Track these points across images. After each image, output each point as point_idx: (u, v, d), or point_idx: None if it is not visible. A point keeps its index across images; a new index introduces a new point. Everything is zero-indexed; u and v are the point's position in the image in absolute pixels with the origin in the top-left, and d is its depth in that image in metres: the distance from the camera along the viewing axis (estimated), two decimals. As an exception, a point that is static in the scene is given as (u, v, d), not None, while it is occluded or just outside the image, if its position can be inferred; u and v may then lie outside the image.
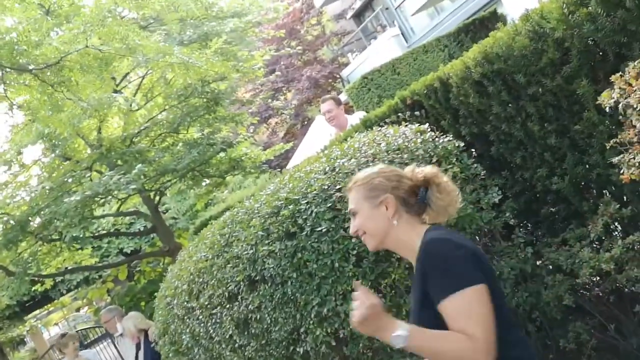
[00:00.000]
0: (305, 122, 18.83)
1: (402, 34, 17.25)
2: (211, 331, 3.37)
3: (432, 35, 13.08)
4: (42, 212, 6.10)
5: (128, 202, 8.07)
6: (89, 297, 12.48)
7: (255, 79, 11.29)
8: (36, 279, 7.05)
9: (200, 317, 3.43)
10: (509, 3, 11.25)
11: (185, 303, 3.56)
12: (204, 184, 8.77)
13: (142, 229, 10.52)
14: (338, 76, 20.28)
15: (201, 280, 3.38)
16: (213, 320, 3.32)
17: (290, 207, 2.64)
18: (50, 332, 34.64)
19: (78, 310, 35.50)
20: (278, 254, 2.59)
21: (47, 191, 5.70)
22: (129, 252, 12.63)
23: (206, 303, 3.35)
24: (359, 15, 20.88)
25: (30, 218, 6.14)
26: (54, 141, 5.80)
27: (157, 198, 7.55)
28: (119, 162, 6.59)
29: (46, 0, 4.56)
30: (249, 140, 9.51)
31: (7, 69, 4.15)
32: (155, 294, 7.73)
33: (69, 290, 14.07)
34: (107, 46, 4.11)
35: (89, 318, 28.01)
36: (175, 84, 7.52)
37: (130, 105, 6.63)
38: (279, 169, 13.10)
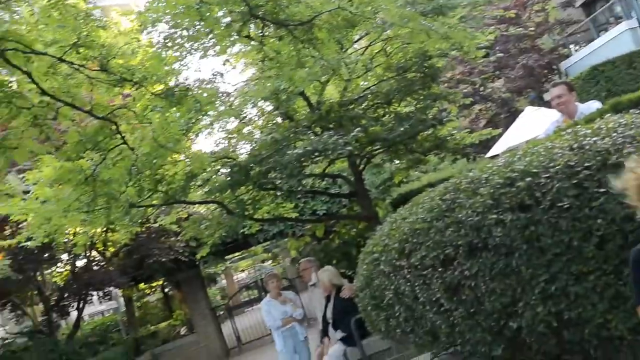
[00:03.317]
0: (510, 113, 17.98)
1: (640, 27, 15.51)
2: (417, 291, 3.45)
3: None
4: (263, 162, 6.69)
5: (333, 166, 8.52)
6: (288, 247, 13.47)
7: (471, 60, 11.05)
8: (249, 221, 7.80)
9: (408, 276, 3.52)
10: None
11: (394, 261, 3.69)
12: (406, 159, 8.88)
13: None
14: (555, 67, 18.95)
15: (415, 240, 3.46)
16: (421, 281, 3.40)
17: (528, 179, 2.59)
18: (237, 276, 38.27)
19: (263, 262, 38.67)
20: (508, 224, 2.57)
21: (272, 142, 6.24)
22: (321, 214, 13.40)
23: (417, 263, 3.43)
24: (589, 4, 19.20)
25: (253, 165, 6.77)
26: (283, 96, 6.31)
27: (363, 165, 7.85)
28: (334, 125, 6.96)
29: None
30: (457, 122, 9.39)
31: (269, 23, 4.62)
32: (348, 254, 8.16)
33: (265, 240, 15.38)
34: (355, 9, 4.37)
35: (271, 270, 30.45)
36: (395, 56, 7.68)
37: (352, 72, 6.93)
38: (474, 157, 12.71)
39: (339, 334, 6.30)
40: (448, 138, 8.43)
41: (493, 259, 2.68)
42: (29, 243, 7.72)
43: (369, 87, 7.70)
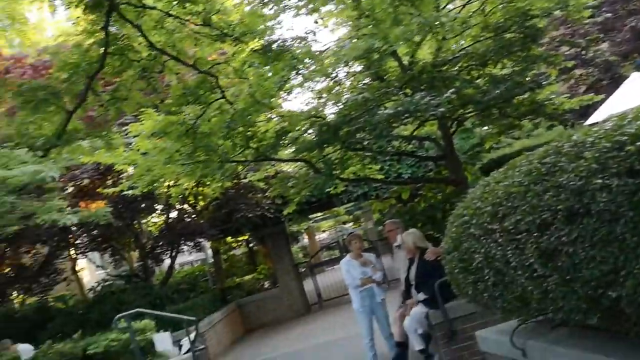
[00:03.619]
0: (613, 79, 16.83)
1: None
2: (509, 256, 3.38)
3: None
4: (352, 122, 6.70)
5: (422, 129, 8.40)
6: (372, 209, 13.54)
7: (576, 21, 10.40)
8: (335, 181, 7.90)
9: (500, 240, 3.46)
10: None
11: (486, 224, 3.62)
12: (498, 124, 8.60)
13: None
14: (667, 31, 17.47)
15: (510, 204, 3.38)
16: (514, 246, 3.32)
17: (638, 143, 2.45)
18: (319, 236, 38.98)
19: (344, 223, 39.12)
20: (614, 189, 2.45)
21: (362, 102, 6.23)
22: (405, 177, 13.34)
23: (510, 227, 3.36)
24: None
25: (341, 125, 6.80)
26: (375, 56, 6.25)
27: (453, 128, 7.69)
28: (425, 87, 6.83)
29: None
30: (555, 86, 8.94)
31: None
32: (433, 217, 8.09)
33: (348, 201, 15.54)
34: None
35: (353, 232, 30.80)
36: (493, 16, 7.37)
37: (447, 31, 6.74)
38: (573, 123, 12.07)
39: (422, 296, 6.32)
40: (546, 103, 8.06)
41: (595, 225, 2.57)
42: (130, 192, 8.25)
43: (464, 48, 7.46)
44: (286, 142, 7.41)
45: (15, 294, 14.55)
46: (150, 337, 9.34)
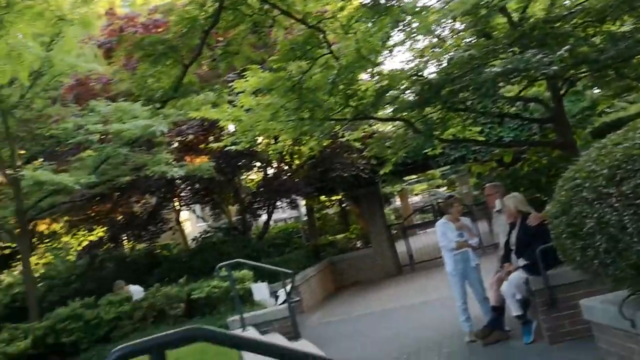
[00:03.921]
0: None
1: None
2: (626, 221, 3.22)
3: None
4: (456, 80, 6.52)
5: (528, 89, 8.02)
6: (472, 171, 13.25)
7: None
8: (435, 141, 7.78)
9: (616, 205, 3.30)
10: None
11: (600, 188, 3.46)
12: (614, 85, 8.04)
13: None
14: None
15: (629, 167, 3.21)
16: (632, 211, 3.16)
17: None
18: (411, 199, 38.71)
19: (438, 187, 38.54)
20: None
21: (468, 59, 6.03)
22: (507, 140, 12.86)
23: (629, 192, 3.19)
24: None
25: (444, 84, 6.64)
26: (483, 11, 6.00)
27: (564, 89, 7.28)
28: (536, 44, 6.47)
29: None
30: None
31: None
32: (537, 182, 7.79)
33: (445, 164, 15.27)
34: None
35: (450, 195, 30.31)
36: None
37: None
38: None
39: (522, 262, 6.16)
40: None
41: None
42: (233, 147, 8.56)
43: (580, 3, 6.96)
44: (386, 101, 7.34)
45: (126, 240, 15.71)
46: (249, 287, 9.80)
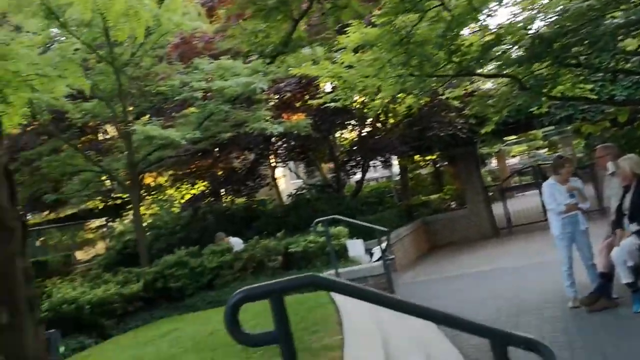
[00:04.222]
0: None
1: None
2: None
3: None
4: (569, 34, 6.13)
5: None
6: (583, 130, 12.55)
7: None
8: (542, 99, 7.40)
9: None
10: None
11: None
12: None
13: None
14: None
15: None
16: None
17: None
18: (508, 161, 37.36)
19: (538, 149, 36.89)
20: None
21: (586, 10, 5.62)
22: (620, 100, 12.00)
23: None
24: None
25: (557, 38, 6.26)
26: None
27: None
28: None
29: None
30: None
31: None
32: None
33: (549, 124, 14.53)
34: None
35: (546, 159, 28.95)
36: None
37: None
38: None
39: (635, 227, 5.82)
40: None
41: None
42: (332, 104, 8.60)
43: None
44: (492, 56, 7.04)
45: (225, 194, 16.39)
46: (344, 243, 9.98)
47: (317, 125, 12.97)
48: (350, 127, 15.43)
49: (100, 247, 18.90)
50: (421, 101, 9.47)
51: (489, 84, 10.77)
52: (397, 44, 5.34)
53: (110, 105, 11.20)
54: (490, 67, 8.04)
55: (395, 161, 18.24)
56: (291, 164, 17.47)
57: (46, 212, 17.41)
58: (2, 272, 1.19)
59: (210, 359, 5.31)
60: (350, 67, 7.15)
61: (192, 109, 11.69)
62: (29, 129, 12.45)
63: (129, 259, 12.53)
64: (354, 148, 15.02)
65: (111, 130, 14.72)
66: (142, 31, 6.74)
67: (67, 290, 9.28)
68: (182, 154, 12.75)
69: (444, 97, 10.05)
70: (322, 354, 4.75)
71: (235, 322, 2.14)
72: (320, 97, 10.26)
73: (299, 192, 16.18)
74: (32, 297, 1.29)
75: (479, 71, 7.58)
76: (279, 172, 18.76)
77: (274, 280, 2.26)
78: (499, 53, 7.08)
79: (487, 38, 6.94)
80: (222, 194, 16.10)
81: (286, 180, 23.13)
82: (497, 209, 16.34)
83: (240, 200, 15.89)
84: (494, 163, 33.90)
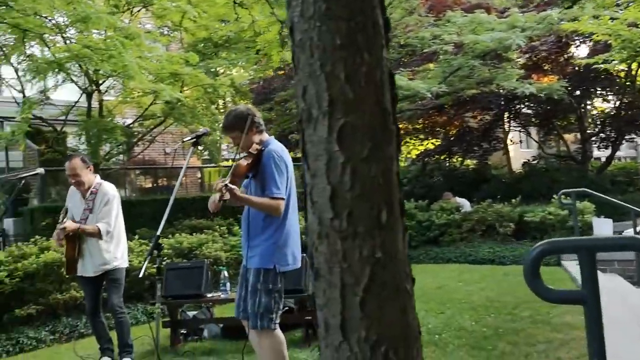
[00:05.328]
0: None
1: None
2: None
3: None
4: None
5: None
6: None
7: None
8: None
9: None
10: None
11: None
12: None
13: None
14: None
15: None
16: None
17: None
18: None
19: None
20: None
21: None
22: None
23: None
24: None
25: None
26: None
27: None
28: None
29: None
30: None
31: None
32: None
33: None
34: None
35: None
36: None
37: None
38: None
39: None
40: None
41: None
42: (601, 66, 7.72)
43: None
44: None
45: (455, 153, 16.06)
46: (590, 220, 9.07)
47: (569, 91, 11.86)
48: (606, 96, 13.85)
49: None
50: None
51: None
52: None
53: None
54: None
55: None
56: (531, 129, 16.40)
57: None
58: (384, 171, 1.20)
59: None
60: (635, 25, 6.30)
61: (431, 65, 11.50)
62: (280, 72, 13.45)
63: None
64: (606, 120, 13.48)
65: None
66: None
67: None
68: (419, 107, 12.70)
69: None
70: (564, 330, 4.48)
71: (537, 275, 2.00)
72: (583, 60, 9.30)
73: (534, 161, 15.19)
74: (402, 201, 1.29)
75: None
76: (511, 137, 17.80)
77: (583, 237, 2.06)
78: None
79: None
80: (453, 153, 15.81)
81: (514, 148, 21.89)
82: None
83: (468, 162, 15.46)
84: None
